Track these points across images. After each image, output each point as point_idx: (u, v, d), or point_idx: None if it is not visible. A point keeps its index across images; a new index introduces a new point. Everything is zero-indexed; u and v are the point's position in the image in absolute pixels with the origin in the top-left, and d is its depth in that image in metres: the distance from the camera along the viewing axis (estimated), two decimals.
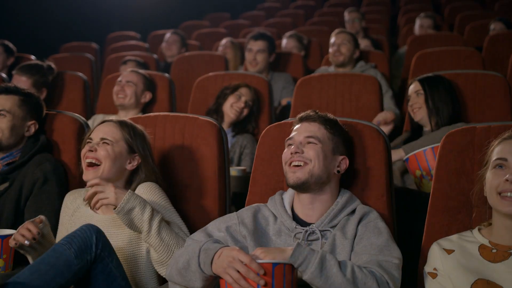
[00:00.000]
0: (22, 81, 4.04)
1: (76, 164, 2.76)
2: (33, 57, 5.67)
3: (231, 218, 2.21)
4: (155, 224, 2.20)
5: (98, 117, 4.07)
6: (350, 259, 2.04)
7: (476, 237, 2.01)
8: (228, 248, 1.91)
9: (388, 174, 2.33)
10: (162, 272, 2.24)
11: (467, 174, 2.19)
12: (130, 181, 2.44)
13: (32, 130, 2.74)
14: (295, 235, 2.13)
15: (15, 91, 2.73)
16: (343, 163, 2.22)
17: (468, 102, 3.35)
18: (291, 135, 2.23)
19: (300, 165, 2.15)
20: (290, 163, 2.17)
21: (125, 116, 3.95)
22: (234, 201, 3.13)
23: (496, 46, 5.19)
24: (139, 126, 2.49)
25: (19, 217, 2.60)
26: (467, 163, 2.20)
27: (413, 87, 3.40)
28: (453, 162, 2.22)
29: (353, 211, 2.17)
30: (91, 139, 2.41)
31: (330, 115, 2.28)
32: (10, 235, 2.25)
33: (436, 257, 2.01)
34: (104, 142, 2.38)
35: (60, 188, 2.65)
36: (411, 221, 2.68)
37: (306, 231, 2.13)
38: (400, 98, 5.00)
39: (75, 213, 2.43)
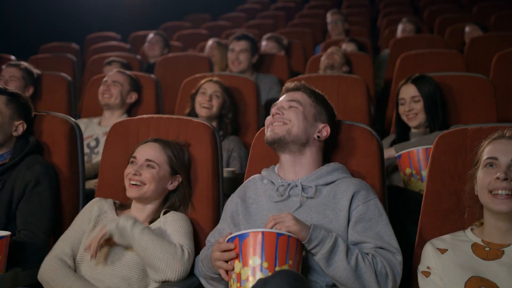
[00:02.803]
0: (12, 72, 4.20)
1: (67, 165, 2.75)
2: (13, 57, 5.62)
3: (230, 202, 2.33)
4: (137, 229, 2.26)
5: (82, 122, 4.03)
6: (345, 234, 2.09)
7: (468, 236, 2.05)
8: (211, 251, 2.06)
9: (382, 174, 2.36)
10: (167, 278, 2.25)
11: (459, 175, 2.22)
12: (166, 198, 2.51)
13: (20, 130, 2.71)
14: (277, 188, 2.21)
15: (2, 91, 2.71)
16: (324, 130, 2.28)
17: (454, 104, 3.38)
18: (275, 102, 2.32)
19: (280, 125, 2.23)
20: (271, 123, 2.25)
21: (111, 116, 3.94)
22: (224, 203, 3.13)
23: (477, 49, 5.26)
24: (180, 143, 2.55)
25: (11, 219, 2.57)
26: (459, 164, 2.24)
27: (409, 92, 3.30)
28: (445, 163, 2.25)
29: (344, 178, 2.21)
30: (135, 157, 2.45)
31: (317, 90, 2.36)
32: (5, 237, 2.23)
33: (430, 256, 2.04)
34: (148, 165, 2.42)
35: (52, 189, 2.63)
36: (403, 221, 2.71)
37: (289, 184, 2.20)
38: (383, 99, 5.04)
39: (101, 215, 2.47)
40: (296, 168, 2.25)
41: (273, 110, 2.27)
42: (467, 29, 6.04)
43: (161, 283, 2.25)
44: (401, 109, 3.34)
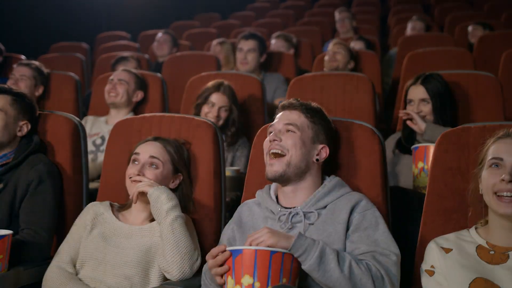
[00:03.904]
0: (22, 71, 4.19)
1: (70, 164, 2.75)
2: (23, 57, 5.65)
3: (227, 229, 2.29)
4: (172, 215, 2.26)
5: (89, 119, 4.05)
6: (343, 246, 2.06)
7: (473, 237, 2.02)
8: None
9: (384, 174, 2.33)
10: (171, 274, 2.24)
11: (462, 173, 2.20)
12: None
13: (25, 130, 2.72)
14: (279, 217, 2.16)
15: (7, 91, 2.72)
16: (323, 151, 2.23)
17: (460, 102, 3.36)
18: (272, 123, 2.27)
19: (278, 153, 2.17)
20: (269, 151, 2.20)
21: (117, 114, 3.95)
22: (226, 202, 3.12)
23: (486, 47, 5.21)
24: (179, 141, 2.53)
25: (13, 218, 2.57)
26: (462, 163, 2.21)
27: (418, 93, 3.24)
28: (448, 161, 2.23)
29: (342, 196, 2.17)
30: (137, 156, 2.43)
31: (314, 104, 2.28)
32: (7, 236, 2.24)
33: (434, 255, 2.01)
34: (152, 164, 2.41)
35: (55, 189, 2.63)
36: (405, 221, 2.69)
37: (290, 213, 2.15)
38: (391, 98, 5.01)
39: (98, 217, 2.44)
40: (297, 193, 2.20)
41: (270, 135, 2.22)
42: (469, 28, 6.01)
43: (163, 271, 2.26)
44: (409, 109, 3.29)
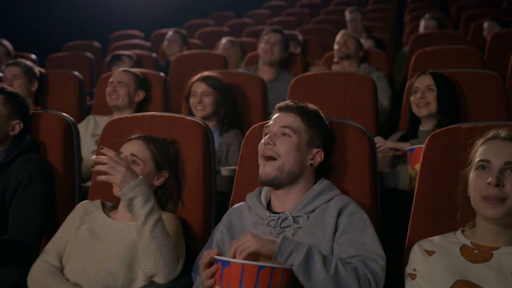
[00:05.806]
0: (13, 71, 4.17)
1: (62, 163, 2.75)
2: (33, 56, 5.69)
3: (216, 231, 2.27)
4: (151, 220, 2.19)
5: (92, 118, 4.05)
6: (330, 249, 2.03)
7: (458, 238, 1.98)
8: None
9: (373, 175, 2.29)
10: (157, 279, 2.22)
11: (451, 174, 2.15)
12: (155, 193, 2.45)
13: (17, 129, 2.72)
14: (268, 223, 2.14)
15: None
16: (318, 156, 2.21)
17: (463, 101, 3.30)
18: (268, 124, 2.24)
19: (271, 156, 2.15)
20: (263, 154, 2.18)
21: (120, 116, 3.93)
22: (226, 201, 3.10)
23: (499, 45, 5.11)
24: (167, 139, 2.52)
25: (3, 217, 2.57)
26: (451, 164, 2.16)
27: (424, 80, 3.27)
28: (437, 162, 2.18)
29: (331, 200, 2.14)
30: (121, 153, 2.41)
31: (311, 106, 2.26)
32: None
33: (417, 258, 1.98)
34: (133, 162, 2.39)
35: (45, 188, 2.63)
36: (400, 223, 2.64)
37: (279, 218, 2.13)
38: (401, 97, 4.94)
39: (88, 214, 2.44)
40: (289, 196, 2.19)
41: (265, 138, 2.20)
42: (485, 25, 5.91)
43: (147, 277, 2.24)
44: (413, 98, 3.29)
